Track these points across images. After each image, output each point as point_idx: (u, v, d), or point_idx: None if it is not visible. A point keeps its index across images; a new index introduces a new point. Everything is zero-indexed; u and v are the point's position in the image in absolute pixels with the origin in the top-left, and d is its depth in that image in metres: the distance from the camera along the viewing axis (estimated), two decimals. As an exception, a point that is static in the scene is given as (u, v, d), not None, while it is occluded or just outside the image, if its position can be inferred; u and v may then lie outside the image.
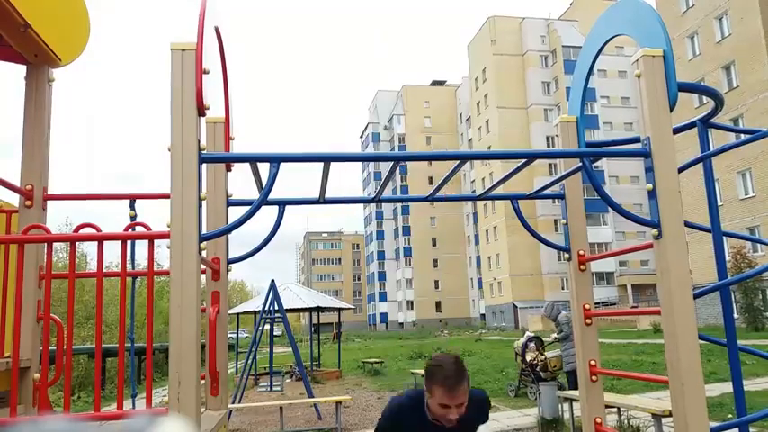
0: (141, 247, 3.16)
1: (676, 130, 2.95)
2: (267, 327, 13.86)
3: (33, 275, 3.01)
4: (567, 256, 3.43)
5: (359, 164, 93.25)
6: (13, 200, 3.33)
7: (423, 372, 2.59)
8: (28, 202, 3.17)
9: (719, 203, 8.36)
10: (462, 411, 2.40)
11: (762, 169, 31.82)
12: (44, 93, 3.29)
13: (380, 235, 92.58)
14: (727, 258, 25.18)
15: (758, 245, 29.11)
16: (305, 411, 11.08)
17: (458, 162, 2.82)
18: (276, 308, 12.33)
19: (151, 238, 2.82)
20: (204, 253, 2.43)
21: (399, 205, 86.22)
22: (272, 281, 12.68)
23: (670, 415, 2.81)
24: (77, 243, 3.01)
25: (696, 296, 2.78)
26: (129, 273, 3.11)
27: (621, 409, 7.78)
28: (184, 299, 2.19)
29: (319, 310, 18.59)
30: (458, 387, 2.40)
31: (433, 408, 2.44)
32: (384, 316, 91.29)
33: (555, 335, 10.29)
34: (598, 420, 3.22)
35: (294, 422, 10.18)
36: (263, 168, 2.55)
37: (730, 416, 7.71)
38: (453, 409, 2.38)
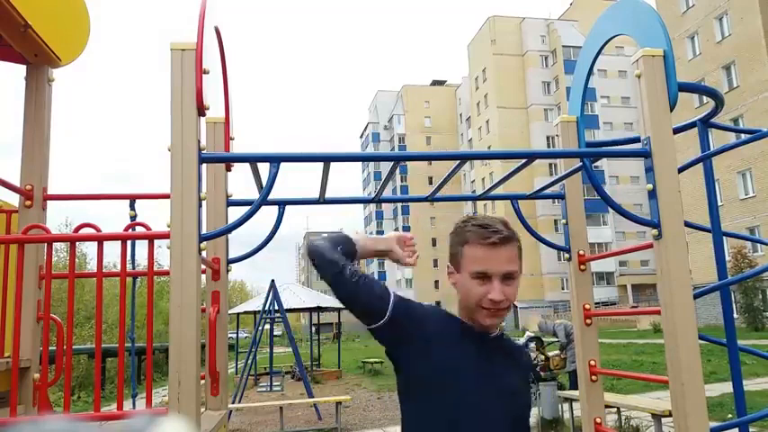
0: (141, 247, 3.16)
1: (676, 130, 2.94)
2: (267, 327, 13.87)
3: (33, 275, 3.01)
4: (567, 256, 3.43)
5: (359, 164, 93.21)
6: (13, 200, 3.33)
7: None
8: (28, 202, 3.17)
9: (719, 203, 8.35)
10: (510, 293, 1.53)
11: (762, 169, 31.83)
12: (44, 93, 3.29)
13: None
14: (728, 258, 25.16)
15: (758, 245, 29.09)
16: (305, 411, 11.08)
17: (458, 162, 2.81)
18: (276, 308, 12.33)
19: (151, 238, 2.82)
20: (204, 253, 2.43)
21: (399, 205, 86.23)
22: (272, 281, 12.68)
23: (670, 415, 2.80)
24: (77, 243, 3.01)
25: (696, 296, 2.78)
26: (129, 273, 3.11)
27: (621, 409, 7.78)
28: (184, 299, 2.19)
29: (319, 310, 18.62)
30: (504, 241, 1.51)
31: (465, 292, 1.54)
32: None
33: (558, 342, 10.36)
34: (598, 420, 3.22)
35: (294, 422, 10.19)
36: (263, 168, 2.55)
37: (730, 416, 7.70)
38: (495, 281, 1.50)
